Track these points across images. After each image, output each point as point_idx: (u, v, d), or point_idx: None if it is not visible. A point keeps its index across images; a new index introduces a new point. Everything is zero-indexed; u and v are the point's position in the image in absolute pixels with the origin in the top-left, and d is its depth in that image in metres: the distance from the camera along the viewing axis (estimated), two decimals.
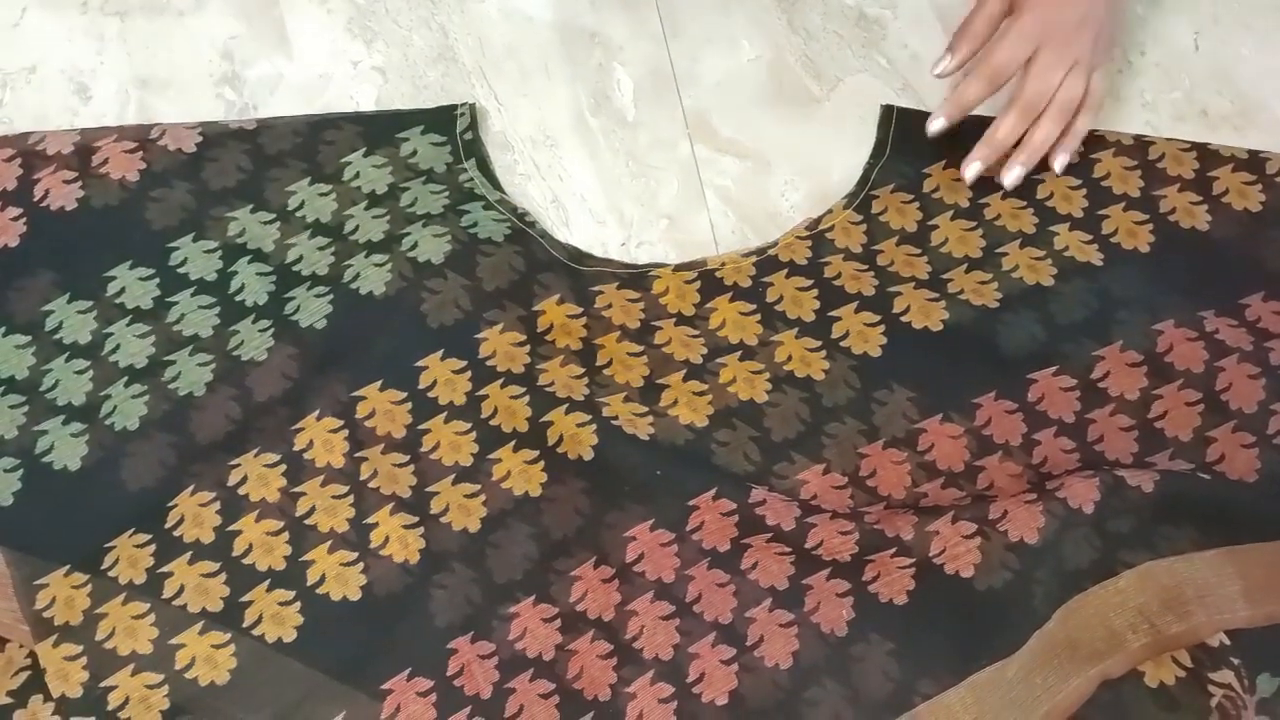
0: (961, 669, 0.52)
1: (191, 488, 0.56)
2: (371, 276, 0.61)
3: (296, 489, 0.56)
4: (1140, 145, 0.65)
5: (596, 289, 0.62)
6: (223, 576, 0.55)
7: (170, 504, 0.56)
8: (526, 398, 0.58)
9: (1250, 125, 0.67)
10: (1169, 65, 0.69)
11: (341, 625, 0.54)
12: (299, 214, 0.63)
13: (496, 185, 0.65)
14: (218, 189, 0.63)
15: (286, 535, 0.56)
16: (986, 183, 0.63)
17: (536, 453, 0.57)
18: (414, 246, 0.61)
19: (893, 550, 0.54)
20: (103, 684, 0.53)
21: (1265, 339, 0.59)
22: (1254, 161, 0.64)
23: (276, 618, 0.54)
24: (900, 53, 0.70)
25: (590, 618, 0.54)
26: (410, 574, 0.55)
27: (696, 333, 0.61)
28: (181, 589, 0.54)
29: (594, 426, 0.57)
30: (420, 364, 0.59)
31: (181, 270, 0.61)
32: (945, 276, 0.62)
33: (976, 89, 0.60)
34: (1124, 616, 0.53)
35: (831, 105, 0.68)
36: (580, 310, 0.61)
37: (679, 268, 0.63)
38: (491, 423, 0.58)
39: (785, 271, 0.62)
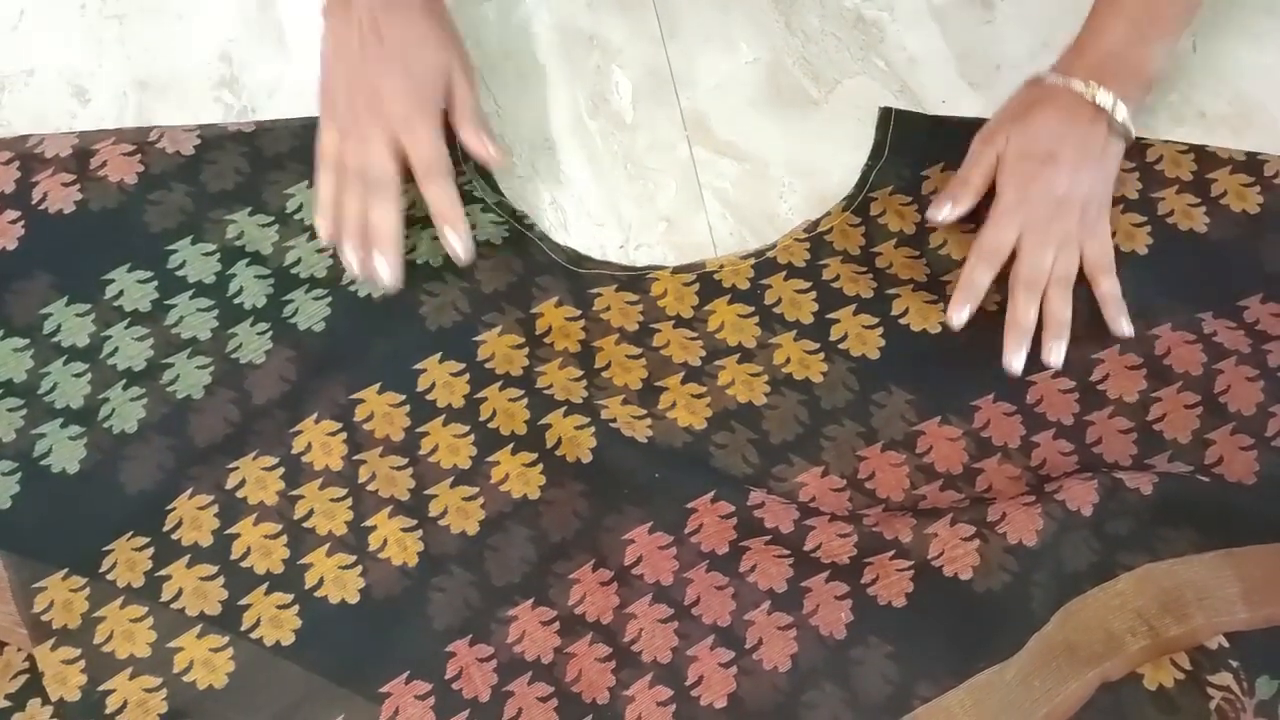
0: (960, 671, 0.52)
1: (190, 491, 0.56)
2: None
3: (295, 492, 0.56)
4: (1138, 147, 0.65)
5: (594, 291, 0.62)
6: (221, 580, 0.55)
7: (168, 507, 0.56)
8: (525, 400, 0.58)
9: (1248, 127, 0.67)
10: (1167, 67, 0.69)
11: (340, 628, 0.54)
12: (297, 217, 0.63)
13: (495, 188, 0.65)
14: (216, 191, 0.63)
15: (285, 538, 0.56)
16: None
17: (535, 455, 0.57)
18: (412, 249, 0.61)
19: (891, 553, 0.54)
20: (101, 687, 0.53)
21: (1263, 341, 0.59)
22: (1252, 163, 0.64)
23: (275, 621, 0.54)
24: (898, 55, 0.70)
25: (589, 621, 0.54)
26: (409, 577, 0.55)
27: (695, 335, 0.61)
28: (180, 592, 0.54)
29: (592, 429, 0.57)
30: (419, 366, 0.59)
31: (180, 273, 0.61)
32: (944, 279, 0.62)
33: (981, 271, 0.59)
34: (1123, 619, 0.53)
35: (829, 107, 0.68)
36: (579, 313, 0.61)
37: (677, 270, 0.63)
38: (490, 425, 0.58)
39: (784, 274, 0.62)
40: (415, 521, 0.56)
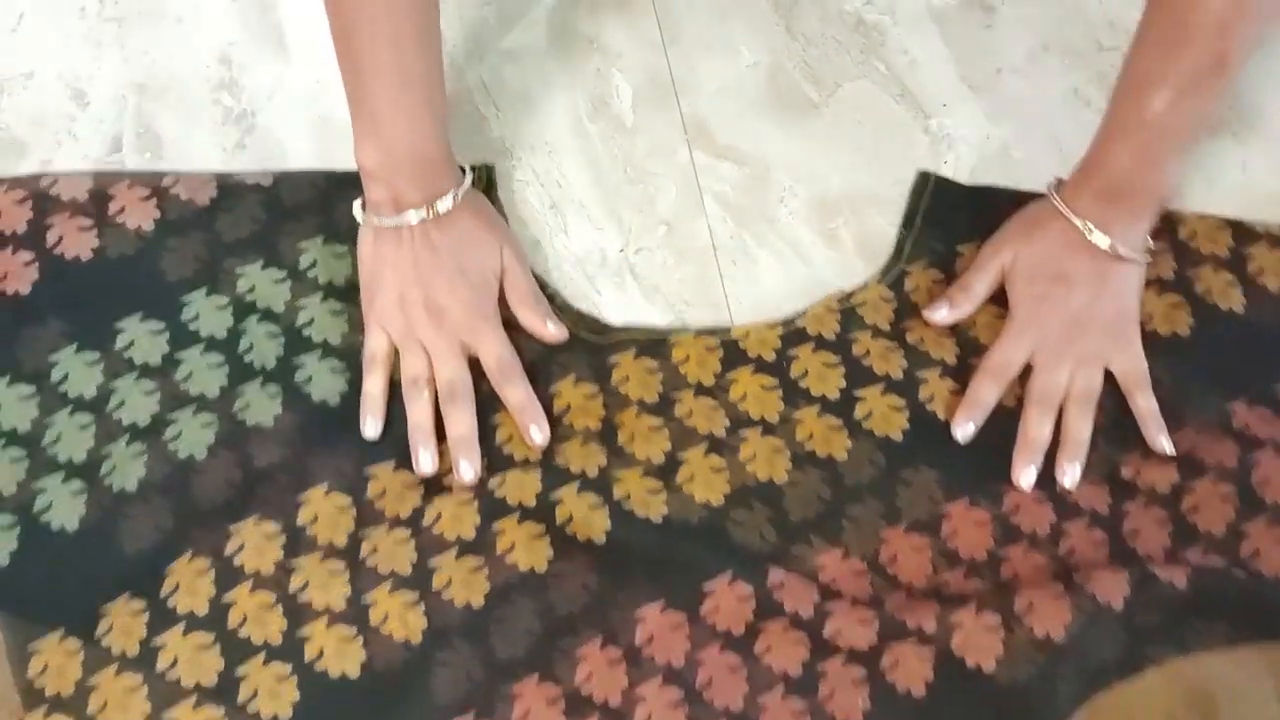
0: None
1: (188, 554, 0.55)
2: None
3: (292, 562, 0.55)
4: (1169, 224, 0.63)
5: (613, 360, 0.60)
6: (217, 649, 0.53)
7: (166, 569, 0.55)
8: (538, 473, 0.57)
9: (1250, 133, 0.67)
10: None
11: (339, 702, 0.53)
12: (310, 273, 0.62)
13: None
14: (230, 240, 0.62)
15: (281, 608, 0.54)
16: None
17: (543, 527, 0.56)
18: None
19: (913, 639, 0.52)
20: None
21: None
22: None
23: (272, 693, 0.52)
24: (899, 58, 0.69)
25: (595, 701, 0.52)
26: (411, 651, 0.53)
27: (717, 404, 0.59)
28: (175, 661, 0.53)
29: (606, 511, 0.56)
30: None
31: (192, 326, 0.60)
32: (974, 362, 0.60)
33: (988, 388, 0.58)
34: (1149, 717, 0.51)
35: (830, 111, 0.68)
36: (597, 388, 0.59)
37: (701, 333, 0.61)
38: (497, 494, 0.57)
39: (812, 345, 0.61)
40: (417, 595, 0.54)
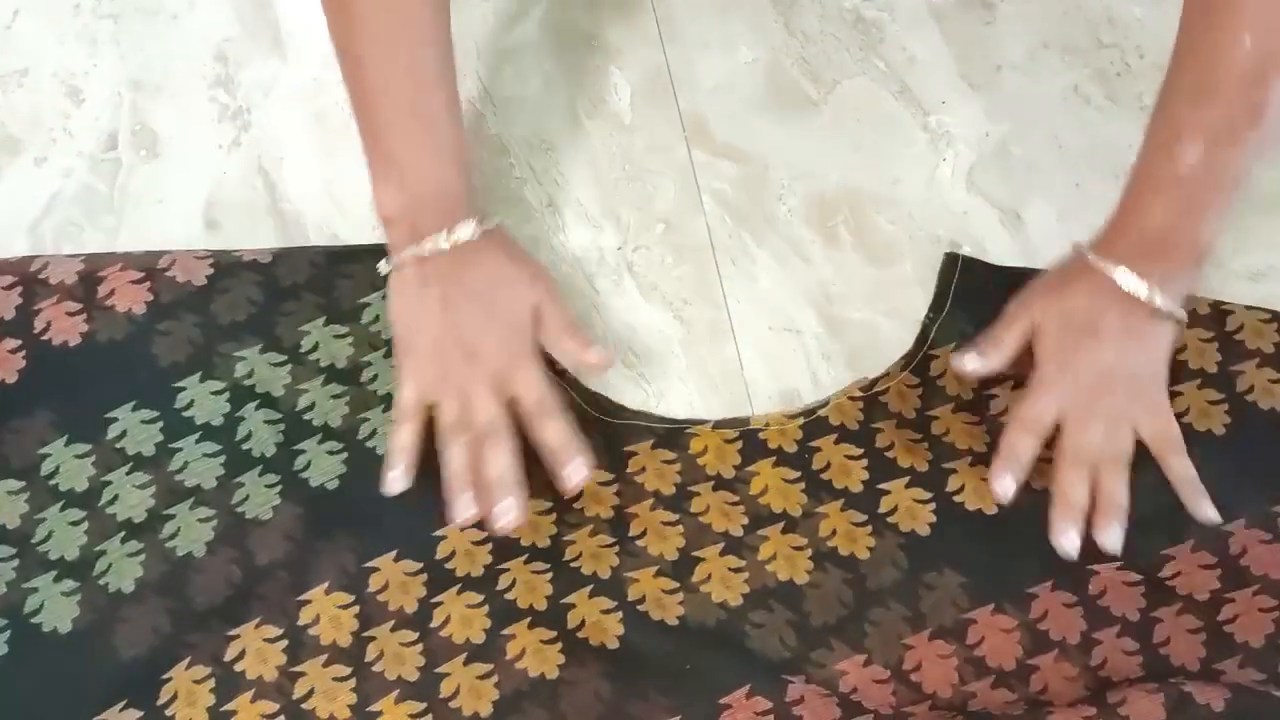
0: None
1: (187, 660, 0.53)
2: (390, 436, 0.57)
3: (297, 668, 0.53)
4: (1217, 315, 0.60)
5: (629, 449, 0.58)
6: None
7: (164, 677, 0.53)
8: (550, 574, 0.55)
9: None
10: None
11: None
12: (312, 356, 0.59)
13: None
14: (227, 323, 0.59)
15: (283, 718, 0.52)
16: None
17: (554, 633, 0.54)
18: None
19: None
20: None
21: None
22: None
23: None
24: (898, 55, 0.69)
25: None
26: None
27: (736, 499, 0.57)
28: None
29: (620, 615, 0.54)
30: (439, 533, 0.56)
31: (187, 414, 0.58)
32: None
33: (1025, 442, 0.55)
34: None
35: (829, 108, 0.68)
36: (611, 477, 0.57)
37: (718, 425, 0.59)
38: (507, 596, 0.55)
39: (834, 436, 0.58)
40: (424, 705, 0.52)
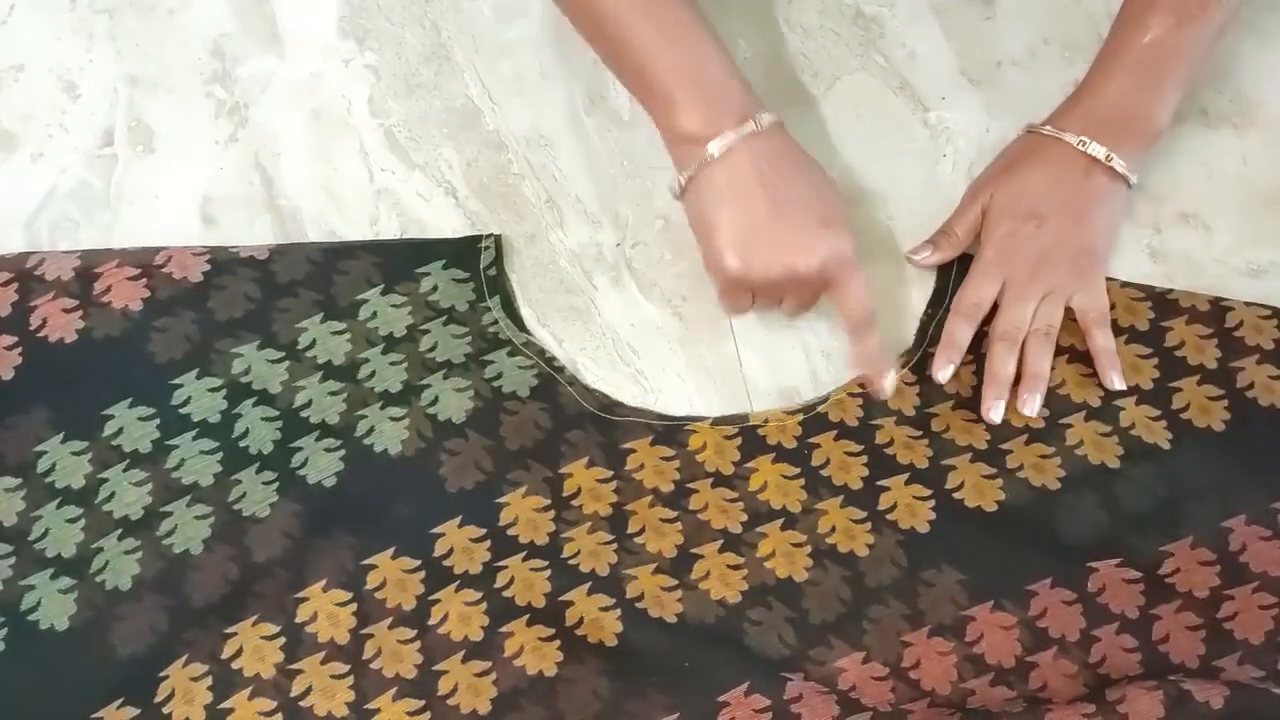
0: None
1: (184, 658, 0.53)
2: (387, 432, 0.57)
3: (294, 665, 0.53)
4: (1217, 311, 0.60)
5: (628, 446, 0.58)
6: None
7: (161, 674, 0.53)
8: (548, 572, 0.55)
9: (1250, 124, 0.66)
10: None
11: None
12: (309, 353, 0.59)
13: (522, 326, 0.61)
14: (224, 320, 0.59)
15: (280, 716, 0.52)
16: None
17: (552, 630, 0.54)
18: (434, 402, 0.58)
19: None
20: None
21: None
22: None
23: None
24: (898, 51, 0.69)
25: None
26: None
27: (735, 495, 0.57)
28: None
29: (618, 612, 0.54)
30: (437, 530, 0.56)
31: (184, 411, 0.57)
32: (1004, 447, 0.58)
33: (962, 327, 0.59)
34: None
35: (828, 104, 0.68)
36: (610, 474, 0.57)
37: (718, 422, 0.59)
38: (506, 593, 0.54)
39: (834, 433, 0.58)
40: (422, 703, 0.52)
